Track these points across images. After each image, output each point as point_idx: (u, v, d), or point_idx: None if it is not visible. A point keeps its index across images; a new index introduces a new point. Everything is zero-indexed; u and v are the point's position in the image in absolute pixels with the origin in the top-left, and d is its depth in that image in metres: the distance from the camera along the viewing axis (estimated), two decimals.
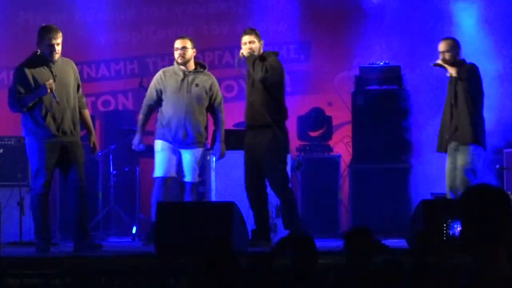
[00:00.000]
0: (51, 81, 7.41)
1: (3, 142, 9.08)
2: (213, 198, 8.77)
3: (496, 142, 9.06)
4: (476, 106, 7.93)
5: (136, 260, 6.66)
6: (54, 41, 7.46)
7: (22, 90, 7.45)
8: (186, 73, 8.17)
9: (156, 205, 7.45)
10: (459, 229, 6.52)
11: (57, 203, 9.67)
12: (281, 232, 8.59)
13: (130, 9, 10.84)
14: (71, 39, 10.03)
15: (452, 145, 7.95)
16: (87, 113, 7.84)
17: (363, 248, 4.94)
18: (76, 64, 7.98)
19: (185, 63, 8.17)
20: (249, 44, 7.94)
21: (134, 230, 9.41)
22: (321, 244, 8.24)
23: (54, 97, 7.41)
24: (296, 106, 10.41)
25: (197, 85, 8.15)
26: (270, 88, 7.91)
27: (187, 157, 8.12)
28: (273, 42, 10.73)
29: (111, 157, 9.79)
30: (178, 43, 8.18)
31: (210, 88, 8.20)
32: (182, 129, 8.07)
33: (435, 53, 8.18)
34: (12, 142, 9.08)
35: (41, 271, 6.23)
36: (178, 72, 8.18)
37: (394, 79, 9.70)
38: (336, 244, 7.06)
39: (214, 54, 10.89)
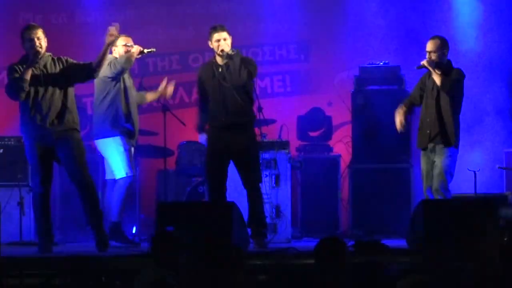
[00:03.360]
0: (36, 47, 7.50)
1: (3, 142, 9.09)
2: None
3: None
4: (457, 110, 7.94)
5: (136, 260, 6.65)
6: (33, 36, 7.56)
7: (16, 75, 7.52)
8: None
9: (156, 205, 7.46)
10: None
11: (57, 203, 9.66)
12: (280, 231, 8.60)
13: (130, 9, 10.84)
14: (71, 39, 10.06)
15: (430, 145, 7.93)
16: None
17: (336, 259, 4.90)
18: None
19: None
20: (224, 41, 7.83)
21: (134, 230, 9.41)
22: None
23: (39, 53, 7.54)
24: (296, 106, 10.42)
25: None
26: (249, 88, 7.91)
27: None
28: (273, 42, 10.74)
29: None
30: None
31: None
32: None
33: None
34: (12, 142, 9.08)
35: (41, 271, 6.24)
36: None
37: (394, 79, 9.70)
38: None
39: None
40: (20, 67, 7.55)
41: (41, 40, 7.57)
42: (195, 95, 10.96)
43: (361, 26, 10.43)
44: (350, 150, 9.93)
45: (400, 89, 9.64)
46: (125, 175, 8.07)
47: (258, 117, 8.12)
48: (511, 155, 9.62)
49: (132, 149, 8.21)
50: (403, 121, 8.06)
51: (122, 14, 10.82)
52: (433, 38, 8.03)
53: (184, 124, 9.41)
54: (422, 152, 8.05)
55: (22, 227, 8.71)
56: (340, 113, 10.33)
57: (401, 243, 7.35)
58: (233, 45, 7.91)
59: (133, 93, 8.27)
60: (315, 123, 10.14)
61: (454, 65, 8.02)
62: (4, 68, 10.74)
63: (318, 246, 4.83)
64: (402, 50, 10.13)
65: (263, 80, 10.76)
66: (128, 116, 8.13)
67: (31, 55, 7.53)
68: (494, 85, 10.06)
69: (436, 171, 7.83)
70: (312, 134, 10.14)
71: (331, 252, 4.77)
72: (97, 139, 8.17)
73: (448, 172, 7.83)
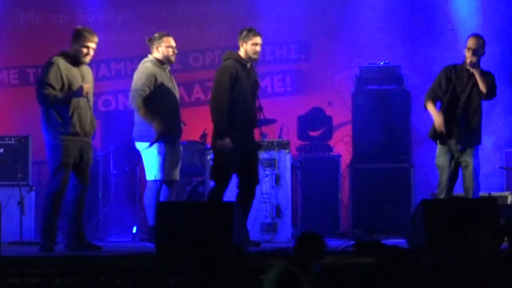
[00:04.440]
0: (88, 85, 7.54)
1: (3, 142, 9.08)
2: None
3: None
4: (482, 110, 7.93)
5: (136, 260, 6.66)
6: (90, 44, 7.55)
7: (54, 84, 7.44)
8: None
9: (156, 205, 7.46)
10: None
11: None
12: (280, 231, 8.59)
13: (130, 9, 10.85)
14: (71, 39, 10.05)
15: (459, 146, 7.86)
16: None
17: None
18: None
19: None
20: (259, 47, 7.92)
21: (134, 230, 9.42)
22: None
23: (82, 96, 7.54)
24: (296, 106, 10.42)
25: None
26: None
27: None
28: (273, 42, 10.74)
29: (111, 157, 9.79)
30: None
31: None
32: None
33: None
34: (12, 142, 9.08)
35: (41, 271, 6.24)
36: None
37: (394, 79, 9.70)
38: (336, 244, 7.07)
39: (214, 54, 10.89)
40: (62, 69, 7.44)
41: (94, 49, 7.58)
42: (195, 95, 10.99)
43: (361, 26, 10.43)
44: (350, 150, 9.93)
45: (400, 89, 9.64)
46: (153, 178, 8.10)
47: (258, 117, 8.15)
48: (511, 155, 9.63)
49: (179, 149, 8.25)
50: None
51: (122, 14, 10.83)
52: (477, 36, 7.92)
53: (184, 124, 9.41)
54: (441, 147, 7.91)
55: (22, 227, 8.71)
56: (340, 113, 10.33)
57: (401, 243, 7.34)
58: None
59: (174, 93, 8.21)
60: (315, 123, 10.15)
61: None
62: (4, 68, 10.77)
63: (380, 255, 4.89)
64: (402, 50, 10.13)
65: (263, 80, 10.76)
66: (166, 118, 8.11)
67: (81, 60, 7.53)
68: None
69: (470, 173, 7.80)
70: (312, 134, 10.14)
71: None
72: (136, 141, 8.19)
73: (480, 173, 7.85)
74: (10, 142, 9.09)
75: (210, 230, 6.74)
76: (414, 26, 10.15)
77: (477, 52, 7.83)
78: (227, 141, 7.62)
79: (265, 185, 8.31)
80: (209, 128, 9.48)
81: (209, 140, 9.34)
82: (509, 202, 8.95)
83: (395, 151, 9.51)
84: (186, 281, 5.82)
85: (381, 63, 9.83)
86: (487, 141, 9.85)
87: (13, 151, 9.03)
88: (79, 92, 7.48)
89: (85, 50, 7.54)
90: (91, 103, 7.71)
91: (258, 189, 8.02)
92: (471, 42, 7.86)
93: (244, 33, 7.90)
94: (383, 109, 9.49)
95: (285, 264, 5.19)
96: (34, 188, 9.13)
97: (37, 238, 8.95)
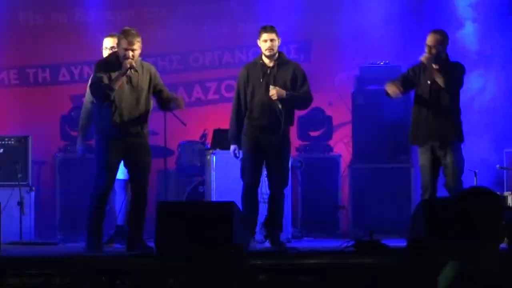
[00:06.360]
0: (129, 59, 7.35)
1: (3, 142, 9.08)
2: (213, 198, 8.77)
3: None
4: (458, 105, 7.82)
5: (136, 260, 6.66)
6: (129, 46, 7.38)
7: (104, 79, 7.36)
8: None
9: (156, 205, 7.46)
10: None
11: (57, 202, 9.67)
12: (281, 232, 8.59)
13: (130, 9, 10.84)
14: (71, 39, 10.07)
15: (436, 143, 7.81)
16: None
17: None
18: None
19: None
20: (270, 42, 7.82)
21: None
22: (321, 244, 8.28)
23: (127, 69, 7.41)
24: None
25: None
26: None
27: None
28: None
29: None
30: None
31: None
32: None
33: None
34: (12, 142, 9.08)
35: (41, 271, 6.24)
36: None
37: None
38: (336, 244, 7.07)
39: (214, 54, 10.89)
40: (108, 69, 7.37)
41: (136, 51, 7.40)
42: (195, 95, 10.98)
43: (361, 26, 10.43)
44: (350, 150, 9.94)
45: None
46: None
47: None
48: (511, 155, 9.62)
49: None
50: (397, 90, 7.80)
51: (122, 14, 10.83)
52: (434, 31, 7.85)
53: (184, 124, 9.42)
54: (421, 149, 7.90)
55: (22, 227, 8.71)
56: (340, 113, 10.33)
57: (401, 243, 7.35)
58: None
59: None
60: (315, 123, 10.15)
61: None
62: (4, 68, 10.77)
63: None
64: (402, 50, 10.13)
65: None
66: None
67: (122, 62, 7.39)
68: (494, 84, 10.06)
69: (451, 169, 7.72)
70: (312, 134, 10.14)
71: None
72: None
73: (462, 169, 7.75)
74: (10, 142, 9.08)
75: (210, 230, 6.75)
76: (414, 25, 10.14)
77: (432, 48, 7.74)
78: (232, 148, 7.93)
79: (265, 185, 8.31)
80: (209, 128, 9.53)
81: (209, 140, 9.37)
82: (509, 202, 8.94)
83: (395, 151, 9.51)
84: (186, 281, 5.82)
85: (381, 63, 9.83)
86: (487, 141, 9.86)
87: (13, 151, 9.03)
88: (123, 69, 7.33)
89: (124, 53, 7.37)
90: (143, 103, 7.50)
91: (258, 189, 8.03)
92: (428, 38, 7.81)
93: (259, 31, 7.86)
94: (383, 109, 9.48)
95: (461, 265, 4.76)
96: (34, 188, 9.13)
97: (37, 238, 8.96)
